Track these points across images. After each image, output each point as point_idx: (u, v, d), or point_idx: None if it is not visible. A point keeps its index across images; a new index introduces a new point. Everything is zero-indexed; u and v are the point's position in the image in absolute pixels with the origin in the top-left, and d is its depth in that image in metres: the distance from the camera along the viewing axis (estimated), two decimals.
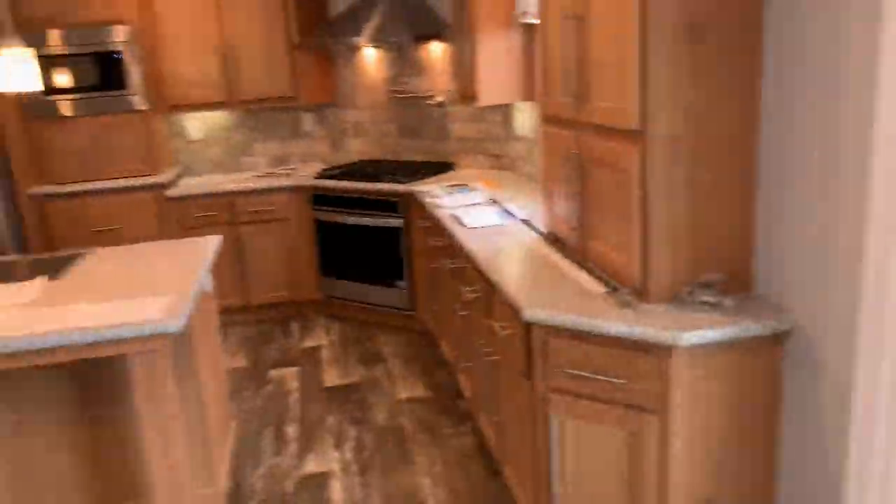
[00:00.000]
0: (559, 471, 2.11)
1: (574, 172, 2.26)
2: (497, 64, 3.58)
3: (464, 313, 3.01)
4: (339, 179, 4.39)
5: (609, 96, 1.97)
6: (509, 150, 4.19)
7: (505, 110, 4.21)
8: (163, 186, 4.39)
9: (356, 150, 5.01)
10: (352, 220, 4.34)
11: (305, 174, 4.70)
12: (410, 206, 4.06)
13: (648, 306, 1.91)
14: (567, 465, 2.09)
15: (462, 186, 3.84)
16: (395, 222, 4.15)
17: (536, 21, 2.78)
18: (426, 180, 4.17)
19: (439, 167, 4.40)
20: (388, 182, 4.16)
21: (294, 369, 3.93)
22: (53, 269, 2.75)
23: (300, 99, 4.71)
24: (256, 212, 4.53)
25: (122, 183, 4.31)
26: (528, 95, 3.66)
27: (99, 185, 4.29)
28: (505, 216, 3.08)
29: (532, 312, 2.01)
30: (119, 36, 4.19)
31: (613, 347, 1.89)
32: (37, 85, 2.31)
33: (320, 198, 4.47)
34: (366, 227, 4.30)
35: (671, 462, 1.86)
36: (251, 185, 4.49)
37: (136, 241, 4.34)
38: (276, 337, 4.41)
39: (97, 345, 2.07)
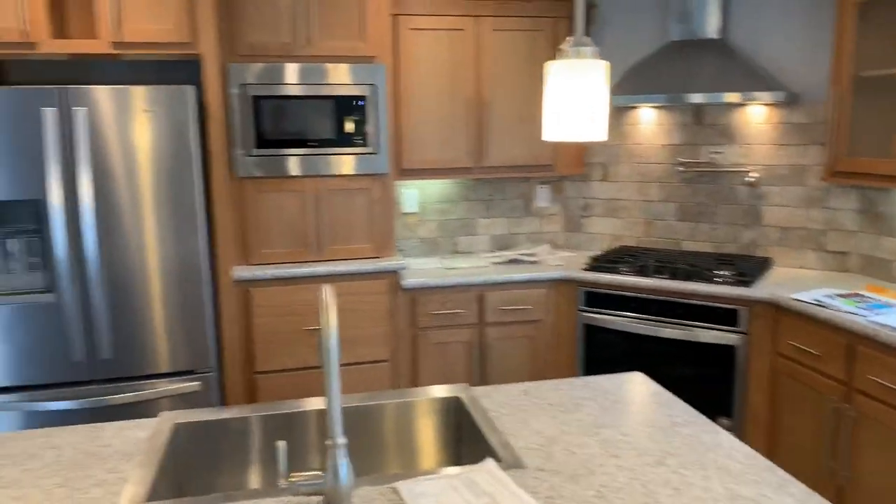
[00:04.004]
0: None
1: None
2: None
3: None
4: (620, 273, 3.33)
5: None
6: (873, 247, 3.17)
7: (865, 193, 3.21)
8: (395, 274, 3.31)
9: (602, 232, 3.98)
10: (645, 329, 3.26)
11: (556, 262, 3.65)
12: (758, 316, 3.00)
13: None
14: None
15: (857, 296, 2.78)
16: (728, 338, 3.08)
17: None
18: (760, 281, 3.13)
19: (751, 263, 3.36)
20: (713, 282, 3.11)
21: None
22: (494, 440, 1.64)
23: (556, 169, 3.70)
24: (506, 310, 3.45)
25: (347, 267, 3.23)
26: None
27: (319, 268, 3.20)
28: None
29: None
30: (367, 77, 3.20)
31: None
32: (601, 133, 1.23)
33: (592, 296, 3.40)
34: (673, 341, 3.22)
35: None
36: (504, 275, 3.42)
37: (360, 343, 3.26)
38: None
39: None
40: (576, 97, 1.19)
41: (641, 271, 3.33)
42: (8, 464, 1.50)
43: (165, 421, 1.72)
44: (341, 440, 1.29)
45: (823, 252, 3.37)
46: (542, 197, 4.03)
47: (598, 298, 3.39)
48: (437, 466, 1.88)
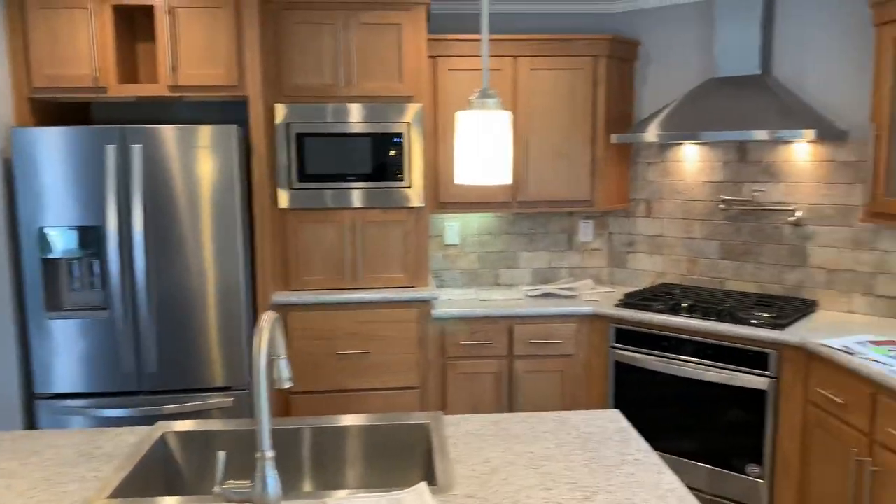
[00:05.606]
0: None
1: None
2: None
3: None
4: (652, 311, 3.29)
5: None
6: None
7: None
8: (427, 303, 3.42)
9: (646, 269, 3.93)
10: (677, 370, 3.20)
11: (593, 297, 3.64)
12: (789, 361, 2.89)
13: None
14: None
15: (894, 345, 2.64)
16: (759, 382, 2.97)
17: None
18: (797, 324, 3.01)
19: (794, 305, 3.23)
20: (747, 324, 3.02)
21: None
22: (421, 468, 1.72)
23: (596, 204, 3.71)
24: (536, 343, 3.48)
25: (379, 295, 3.38)
26: None
27: (353, 295, 3.37)
28: None
29: None
30: (404, 116, 3.37)
31: None
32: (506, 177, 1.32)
33: (624, 333, 3.38)
34: (702, 382, 3.14)
35: None
36: (534, 308, 3.46)
37: (391, 370, 3.38)
38: None
39: None
40: (482, 144, 1.28)
41: (673, 310, 3.28)
42: (13, 458, 1.72)
43: (156, 430, 1.90)
44: (269, 453, 1.41)
45: (873, 296, 3.20)
46: (586, 232, 4.04)
47: (629, 336, 3.36)
48: (398, 488, 1.96)
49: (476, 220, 3.99)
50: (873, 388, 2.42)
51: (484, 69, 1.31)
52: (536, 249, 4.05)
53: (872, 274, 3.19)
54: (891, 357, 2.50)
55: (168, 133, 3.02)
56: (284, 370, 1.56)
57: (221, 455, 1.44)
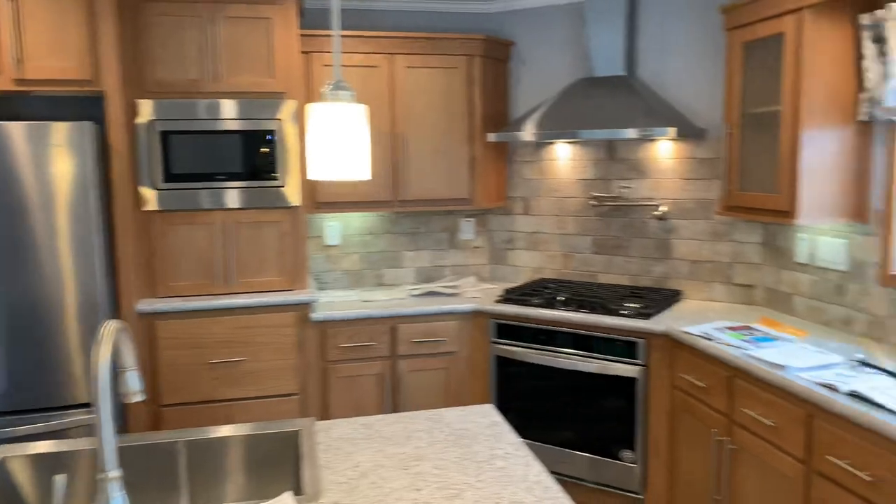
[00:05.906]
0: None
1: None
2: (824, 171, 2.65)
3: None
4: (529, 305, 3.36)
5: None
6: (775, 280, 3.21)
7: (767, 228, 3.26)
8: (306, 306, 3.33)
9: (525, 265, 4.02)
10: (555, 362, 3.29)
11: (475, 294, 3.68)
12: (656, 349, 3.02)
13: None
14: None
15: (747, 329, 2.82)
16: (630, 370, 3.10)
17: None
18: (664, 313, 3.16)
19: (661, 295, 3.40)
20: (617, 314, 3.14)
21: None
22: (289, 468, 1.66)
23: (475, 202, 3.75)
24: (419, 342, 3.47)
25: (254, 300, 3.25)
26: (856, 214, 2.71)
27: (226, 300, 3.23)
28: None
29: None
30: (277, 113, 3.27)
31: None
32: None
33: (504, 328, 3.43)
34: (579, 373, 3.24)
35: None
36: (417, 307, 3.45)
37: (268, 376, 3.27)
38: None
39: None
40: (336, 138, 1.24)
41: (549, 304, 3.36)
42: None
43: None
44: (114, 473, 1.31)
45: (731, 285, 3.41)
46: (467, 230, 4.08)
47: (509, 330, 3.41)
48: (263, 499, 1.89)
49: (357, 220, 3.94)
50: (730, 371, 2.58)
51: (336, 65, 1.27)
52: (419, 248, 4.04)
53: (730, 264, 3.40)
54: (745, 341, 2.66)
55: (14, 130, 2.77)
56: (134, 382, 1.45)
57: (59, 479, 1.33)
